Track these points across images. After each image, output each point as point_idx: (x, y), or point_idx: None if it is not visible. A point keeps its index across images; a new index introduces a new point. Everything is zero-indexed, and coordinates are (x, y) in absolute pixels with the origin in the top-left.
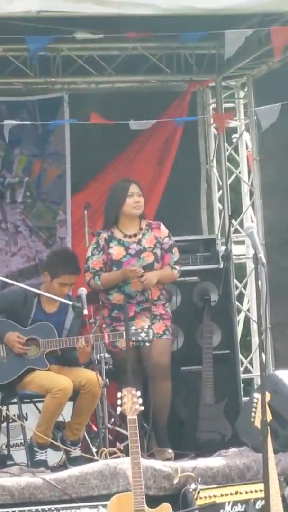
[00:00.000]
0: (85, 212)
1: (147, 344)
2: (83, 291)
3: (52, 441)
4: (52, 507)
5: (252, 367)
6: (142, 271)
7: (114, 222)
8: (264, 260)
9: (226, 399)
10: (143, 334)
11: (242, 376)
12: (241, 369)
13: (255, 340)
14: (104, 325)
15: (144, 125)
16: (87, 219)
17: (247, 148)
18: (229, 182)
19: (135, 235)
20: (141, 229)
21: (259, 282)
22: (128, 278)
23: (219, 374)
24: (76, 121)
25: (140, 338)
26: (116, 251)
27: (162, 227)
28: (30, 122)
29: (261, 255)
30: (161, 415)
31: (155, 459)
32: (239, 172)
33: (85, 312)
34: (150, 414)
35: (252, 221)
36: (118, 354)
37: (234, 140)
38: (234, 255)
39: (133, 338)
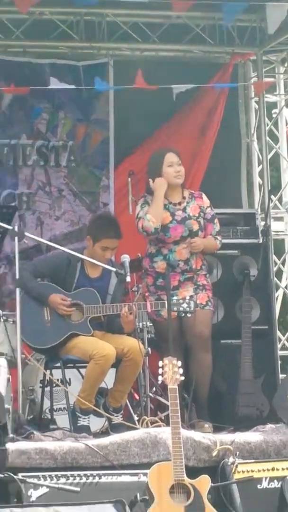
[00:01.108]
0: (129, 179)
1: (189, 315)
2: (126, 258)
3: (95, 407)
4: (94, 472)
5: None
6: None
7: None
8: None
9: (264, 375)
10: (184, 305)
11: (280, 353)
12: (279, 345)
13: None
14: (147, 293)
15: (185, 89)
16: (131, 186)
17: (286, 124)
18: (269, 157)
19: (179, 203)
20: (184, 197)
21: None
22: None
23: (257, 349)
24: (120, 86)
25: (181, 309)
26: (163, 216)
27: (204, 197)
28: (75, 87)
29: None
30: (202, 387)
31: (194, 431)
32: (279, 148)
33: (128, 279)
34: (191, 385)
35: None
36: (161, 323)
37: (274, 115)
38: (273, 231)
39: (175, 308)
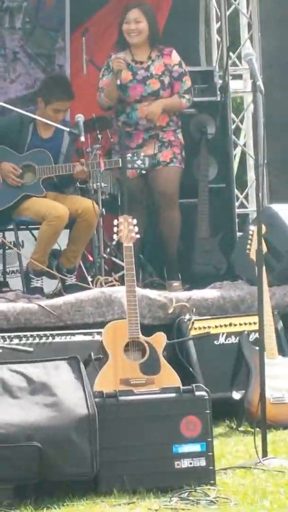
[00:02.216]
0: (83, 38)
1: (143, 172)
2: (80, 117)
3: (48, 269)
4: (47, 333)
5: (248, 202)
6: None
7: (126, 46)
8: (262, 88)
9: (222, 233)
10: (139, 162)
11: (237, 211)
12: (236, 204)
13: (250, 175)
14: (101, 153)
15: None
16: (85, 46)
17: None
18: (227, 14)
19: (143, 62)
20: (150, 57)
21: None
22: (117, 68)
23: (214, 208)
24: None
25: (136, 166)
26: (124, 75)
27: (174, 54)
28: None
29: (260, 82)
30: (170, 245)
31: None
32: (238, 4)
33: (82, 139)
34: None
35: None
36: (122, 182)
37: None
38: (232, 89)
39: (129, 166)
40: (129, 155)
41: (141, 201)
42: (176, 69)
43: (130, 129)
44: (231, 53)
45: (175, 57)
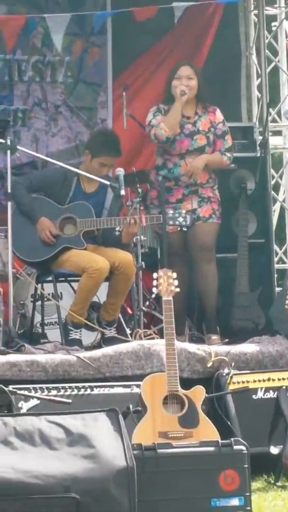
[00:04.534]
0: (124, 93)
1: (184, 229)
2: (121, 171)
3: (86, 321)
4: (86, 385)
5: (286, 257)
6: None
7: (172, 100)
8: None
9: (260, 288)
10: (180, 219)
11: (276, 266)
12: (275, 259)
13: None
14: (142, 207)
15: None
16: (126, 100)
17: (286, 37)
18: (267, 70)
19: (190, 117)
20: (196, 113)
21: None
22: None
23: (253, 263)
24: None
25: (177, 223)
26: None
27: (218, 112)
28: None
29: None
30: (209, 298)
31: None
32: (278, 61)
33: (122, 192)
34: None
35: None
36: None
37: (274, 28)
38: (271, 145)
39: (170, 222)
40: (171, 211)
41: (181, 255)
42: (220, 127)
43: (171, 184)
44: (271, 110)
45: (219, 115)
